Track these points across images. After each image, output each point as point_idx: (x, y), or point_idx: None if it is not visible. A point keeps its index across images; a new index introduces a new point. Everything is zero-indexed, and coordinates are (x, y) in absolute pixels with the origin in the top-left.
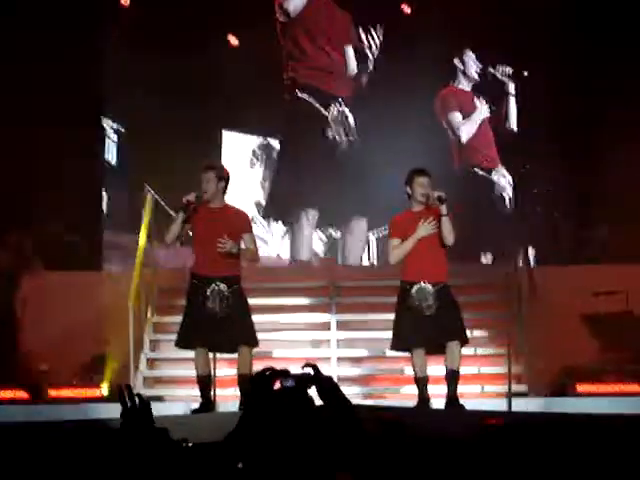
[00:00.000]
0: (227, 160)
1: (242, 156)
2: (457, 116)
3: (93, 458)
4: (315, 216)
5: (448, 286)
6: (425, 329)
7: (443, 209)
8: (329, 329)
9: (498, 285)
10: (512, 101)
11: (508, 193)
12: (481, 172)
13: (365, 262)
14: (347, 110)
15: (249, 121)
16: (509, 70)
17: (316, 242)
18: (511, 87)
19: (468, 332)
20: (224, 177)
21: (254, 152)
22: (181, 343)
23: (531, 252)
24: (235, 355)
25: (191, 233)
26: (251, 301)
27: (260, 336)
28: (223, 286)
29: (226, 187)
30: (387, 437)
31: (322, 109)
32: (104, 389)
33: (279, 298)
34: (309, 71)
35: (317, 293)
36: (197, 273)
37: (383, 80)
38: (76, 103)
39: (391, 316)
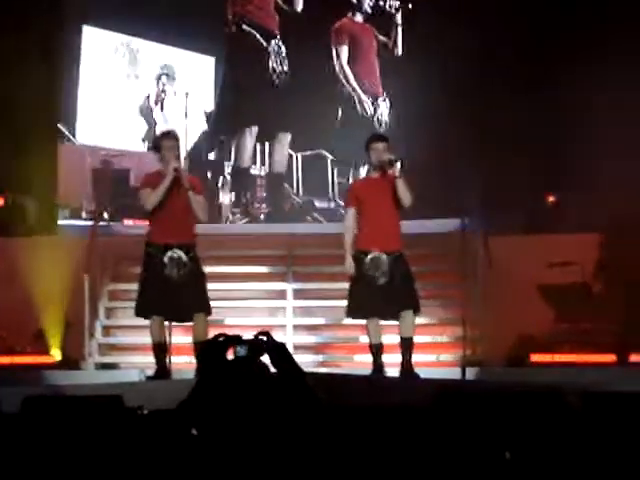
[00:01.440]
0: (87, 55)
1: (104, 52)
2: (344, 50)
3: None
4: (256, 131)
5: (403, 255)
6: (379, 297)
7: (395, 171)
8: (285, 298)
9: (454, 254)
10: (399, 31)
11: (385, 118)
12: (364, 96)
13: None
14: (282, 44)
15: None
16: (397, 3)
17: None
18: (399, 18)
19: (423, 301)
20: (178, 145)
21: (117, 49)
22: (141, 312)
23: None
24: (191, 323)
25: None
26: (209, 269)
27: (217, 304)
28: (180, 253)
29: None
30: (333, 404)
31: (264, 42)
32: (57, 356)
33: (237, 266)
34: (250, 7)
35: (274, 261)
36: (154, 240)
37: (298, 20)
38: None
39: (347, 285)
